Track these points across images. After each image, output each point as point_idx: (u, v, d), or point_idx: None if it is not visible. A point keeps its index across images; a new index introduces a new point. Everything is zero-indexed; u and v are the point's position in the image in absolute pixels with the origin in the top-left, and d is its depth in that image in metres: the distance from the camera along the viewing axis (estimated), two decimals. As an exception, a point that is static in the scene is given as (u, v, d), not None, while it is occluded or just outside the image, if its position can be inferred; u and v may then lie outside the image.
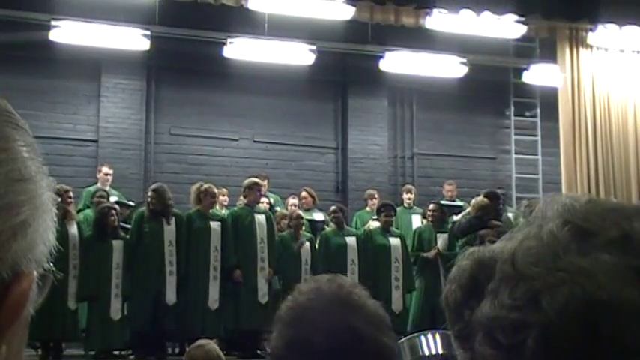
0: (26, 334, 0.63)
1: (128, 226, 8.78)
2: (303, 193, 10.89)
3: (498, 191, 10.16)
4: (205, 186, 8.89)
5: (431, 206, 10.04)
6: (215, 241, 8.62)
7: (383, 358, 1.32)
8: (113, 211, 8.50)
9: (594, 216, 0.67)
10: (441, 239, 9.57)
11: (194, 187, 8.99)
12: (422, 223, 10.50)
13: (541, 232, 0.68)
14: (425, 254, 9.49)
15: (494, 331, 0.65)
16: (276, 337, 1.35)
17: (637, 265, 0.63)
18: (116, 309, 8.29)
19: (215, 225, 8.68)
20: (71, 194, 8.81)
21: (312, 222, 10.03)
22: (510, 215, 9.54)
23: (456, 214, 10.77)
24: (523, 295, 0.64)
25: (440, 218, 9.78)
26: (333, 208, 9.75)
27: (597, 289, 0.62)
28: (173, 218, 8.58)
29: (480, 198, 9.42)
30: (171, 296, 8.36)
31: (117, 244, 8.40)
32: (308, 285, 1.40)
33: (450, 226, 9.67)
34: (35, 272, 0.60)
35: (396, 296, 9.23)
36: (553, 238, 0.66)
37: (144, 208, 8.75)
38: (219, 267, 8.59)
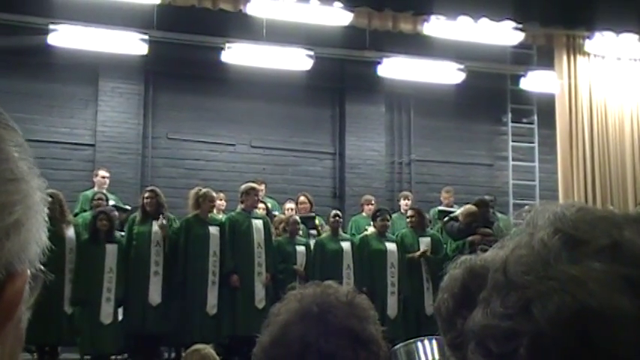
0: (22, 336, 0.63)
1: (123, 233, 8.79)
2: (302, 198, 10.87)
3: (487, 198, 10.20)
4: (204, 190, 8.88)
5: (409, 212, 10.10)
6: (214, 246, 8.62)
7: (365, 344, 1.35)
8: (103, 215, 8.48)
9: (585, 224, 0.67)
10: (424, 244, 9.59)
11: (192, 192, 8.98)
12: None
13: (532, 240, 0.68)
14: (410, 255, 9.50)
15: (486, 340, 0.65)
16: (259, 342, 1.40)
17: (627, 273, 0.63)
18: (107, 313, 8.25)
19: (214, 230, 8.67)
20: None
21: (302, 218, 9.93)
22: (502, 223, 9.58)
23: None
24: (514, 303, 0.64)
25: (419, 223, 9.79)
26: (334, 212, 9.76)
27: (588, 298, 0.62)
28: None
29: (469, 205, 9.52)
30: (155, 297, 8.34)
31: (111, 249, 8.39)
32: (293, 293, 1.43)
33: (443, 224, 9.75)
34: (28, 272, 0.60)
35: (392, 302, 9.23)
36: (544, 247, 0.67)
37: (137, 213, 8.75)
38: (217, 272, 8.58)
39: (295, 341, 1.34)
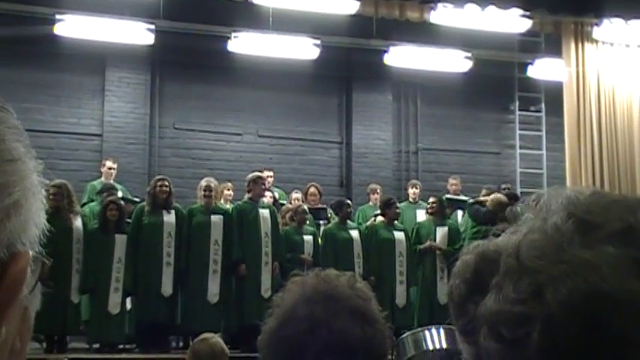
0: (30, 325, 0.63)
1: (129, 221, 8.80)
2: (312, 190, 10.82)
3: (503, 186, 10.21)
4: (202, 180, 8.94)
5: (431, 199, 10.09)
6: (215, 234, 8.62)
7: (360, 348, 1.37)
8: (113, 205, 8.49)
9: (598, 208, 0.67)
10: (441, 233, 9.59)
11: None
12: (426, 217, 10.52)
13: (545, 225, 0.67)
14: (421, 246, 9.52)
15: (499, 325, 0.65)
16: (263, 329, 1.42)
17: None
18: (114, 303, 8.27)
19: (216, 218, 8.67)
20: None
21: (312, 210, 9.95)
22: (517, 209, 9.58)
23: (461, 208, 10.79)
24: (527, 288, 0.64)
25: (439, 211, 9.80)
26: (347, 202, 9.75)
27: (600, 282, 0.62)
28: (173, 210, 8.61)
29: (500, 195, 9.50)
30: (167, 288, 8.38)
31: (120, 239, 8.39)
32: (296, 280, 1.46)
33: (468, 207, 9.76)
34: (30, 253, 0.61)
35: (400, 291, 9.25)
36: (557, 231, 0.66)
37: (144, 203, 8.76)
38: (219, 261, 8.59)
39: (304, 320, 1.36)
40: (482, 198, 9.80)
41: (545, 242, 0.66)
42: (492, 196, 9.58)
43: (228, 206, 9.52)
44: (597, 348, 0.61)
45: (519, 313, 0.64)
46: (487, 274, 0.68)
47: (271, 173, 10.98)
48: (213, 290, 8.51)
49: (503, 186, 10.28)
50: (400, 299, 9.20)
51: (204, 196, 8.78)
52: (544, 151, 13.51)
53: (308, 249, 9.13)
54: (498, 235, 0.72)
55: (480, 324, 0.67)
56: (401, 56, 11.94)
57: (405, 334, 4.39)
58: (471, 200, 9.83)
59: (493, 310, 0.66)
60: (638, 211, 0.66)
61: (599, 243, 0.64)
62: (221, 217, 8.72)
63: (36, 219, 0.61)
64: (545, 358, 0.63)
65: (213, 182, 8.99)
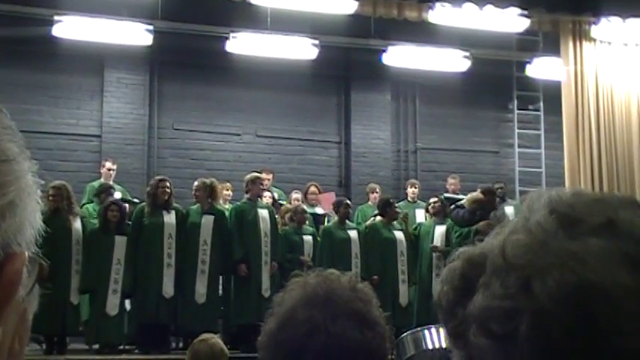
0: (28, 326, 0.64)
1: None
2: (312, 189, 10.83)
3: (496, 185, 10.19)
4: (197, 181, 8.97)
5: (432, 199, 10.15)
6: (205, 235, 8.60)
7: (359, 352, 1.37)
8: (114, 206, 8.48)
9: (579, 205, 0.68)
10: (439, 232, 9.60)
11: None
12: (425, 216, 10.54)
13: (528, 223, 0.69)
14: (432, 246, 9.56)
15: (488, 322, 0.66)
16: (263, 330, 1.42)
17: (625, 248, 0.64)
18: (113, 305, 8.25)
19: (205, 219, 8.65)
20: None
21: (314, 215, 10.03)
22: (511, 209, 9.60)
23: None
24: (514, 283, 0.65)
25: (440, 210, 9.83)
26: (346, 202, 9.75)
27: (587, 273, 0.63)
28: (173, 211, 8.60)
29: (476, 193, 9.52)
30: (168, 289, 8.38)
31: (120, 240, 8.38)
32: (297, 280, 1.46)
33: (450, 213, 9.78)
34: (26, 253, 0.61)
35: (403, 290, 9.27)
36: (540, 228, 0.67)
37: (144, 203, 8.76)
38: (207, 261, 8.57)
39: (303, 323, 1.35)
40: (462, 202, 9.81)
41: (530, 239, 0.67)
42: (469, 195, 9.60)
43: (227, 206, 9.52)
44: (587, 339, 0.62)
45: (508, 307, 0.64)
46: (474, 278, 0.69)
47: (270, 176, 10.95)
48: (201, 290, 8.50)
49: (496, 185, 10.26)
50: (403, 298, 9.22)
51: (198, 196, 8.80)
52: (542, 150, 13.52)
53: (307, 249, 9.14)
54: (482, 240, 0.73)
55: (469, 323, 0.68)
56: (399, 56, 11.95)
57: (405, 334, 4.39)
58: (452, 205, 9.83)
59: (481, 307, 0.66)
60: (620, 208, 0.67)
61: (583, 236, 0.65)
62: (212, 217, 8.70)
63: (31, 219, 0.61)
64: (534, 351, 0.63)
65: (207, 181, 8.92)
